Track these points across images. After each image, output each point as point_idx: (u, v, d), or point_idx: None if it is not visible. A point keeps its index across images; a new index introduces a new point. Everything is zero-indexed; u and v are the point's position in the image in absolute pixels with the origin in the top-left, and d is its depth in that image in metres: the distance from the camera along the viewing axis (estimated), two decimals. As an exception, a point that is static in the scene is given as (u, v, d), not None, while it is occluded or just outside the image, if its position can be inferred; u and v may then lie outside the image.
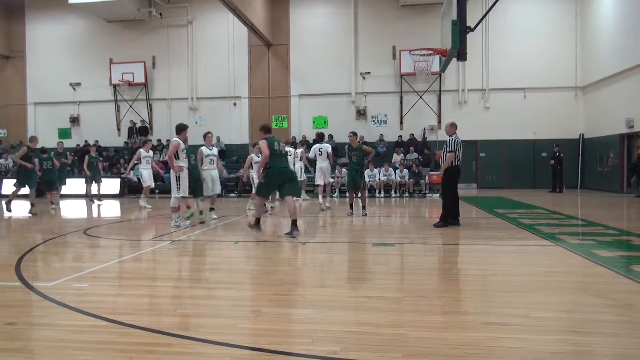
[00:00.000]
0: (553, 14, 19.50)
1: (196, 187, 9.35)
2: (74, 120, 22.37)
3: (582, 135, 19.16)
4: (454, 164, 8.34)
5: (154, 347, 2.96)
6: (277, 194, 9.11)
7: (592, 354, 2.85)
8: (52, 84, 22.22)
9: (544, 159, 18.76)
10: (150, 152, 13.45)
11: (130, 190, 18.41)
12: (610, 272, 4.82)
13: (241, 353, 2.91)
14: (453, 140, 8.34)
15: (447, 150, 8.37)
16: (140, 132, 21.62)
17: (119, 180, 18.06)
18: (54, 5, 21.60)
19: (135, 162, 13.30)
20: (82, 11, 21.10)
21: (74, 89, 22.26)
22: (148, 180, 13.23)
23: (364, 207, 10.48)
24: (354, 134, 10.38)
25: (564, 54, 19.27)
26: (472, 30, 9.05)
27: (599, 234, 7.44)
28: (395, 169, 17.08)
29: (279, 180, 7.37)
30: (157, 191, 16.53)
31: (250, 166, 11.18)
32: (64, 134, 22.13)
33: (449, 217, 8.46)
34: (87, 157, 14.59)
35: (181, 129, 8.75)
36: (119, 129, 22.22)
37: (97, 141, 21.11)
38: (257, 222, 7.65)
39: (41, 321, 3.58)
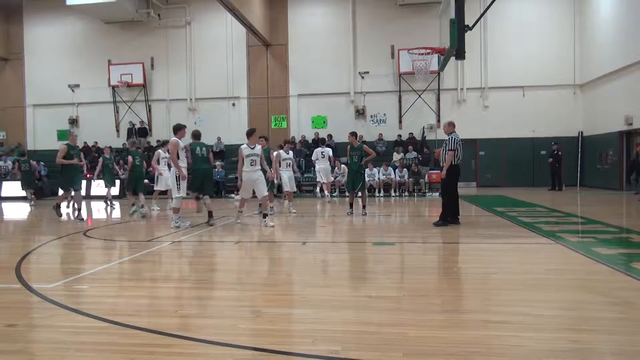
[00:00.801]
0: (552, 11, 19.51)
1: (137, 185, 11.06)
2: (73, 122, 22.37)
3: (581, 133, 19.18)
4: (454, 163, 8.33)
5: (154, 348, 2.96)
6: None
7: (592, 352, 2.85)
8: (51, 85, 22.23)
9: (543, 157, 18.76)
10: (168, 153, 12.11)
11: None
12: (610, 270, 4.83)
13: (242, 353, 2.91)
14: (453, 139, 8.33)
15: (447, 148, 8.36)
16: (140, 134, 21.63)
17: (118, 181, 18.01)
18: (51, 7, 21.62)
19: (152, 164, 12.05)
20: (80, 13, 21.08)
21: (73, 90, 22.27)
22: (167, 183, 11.57)
23: (364, 207, 10.49)
24: (354, 134, 10.38)
25: (563, 52, 19.29)
26: (471, 28, 9.06)
27: (599, 232, 7.44)
28: (394, 168, 17.07)
29: (201, 178, 8.76)
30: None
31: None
32: (63, 135, 22.07)
33: (449, 216, 8.47)
34: (101, 158, 13.42)
35: (178, 129, 8.76)
36: (118, 130, 22.23)
37: (96, 142, 21.14)
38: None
39: (41, 323, 3.57)
